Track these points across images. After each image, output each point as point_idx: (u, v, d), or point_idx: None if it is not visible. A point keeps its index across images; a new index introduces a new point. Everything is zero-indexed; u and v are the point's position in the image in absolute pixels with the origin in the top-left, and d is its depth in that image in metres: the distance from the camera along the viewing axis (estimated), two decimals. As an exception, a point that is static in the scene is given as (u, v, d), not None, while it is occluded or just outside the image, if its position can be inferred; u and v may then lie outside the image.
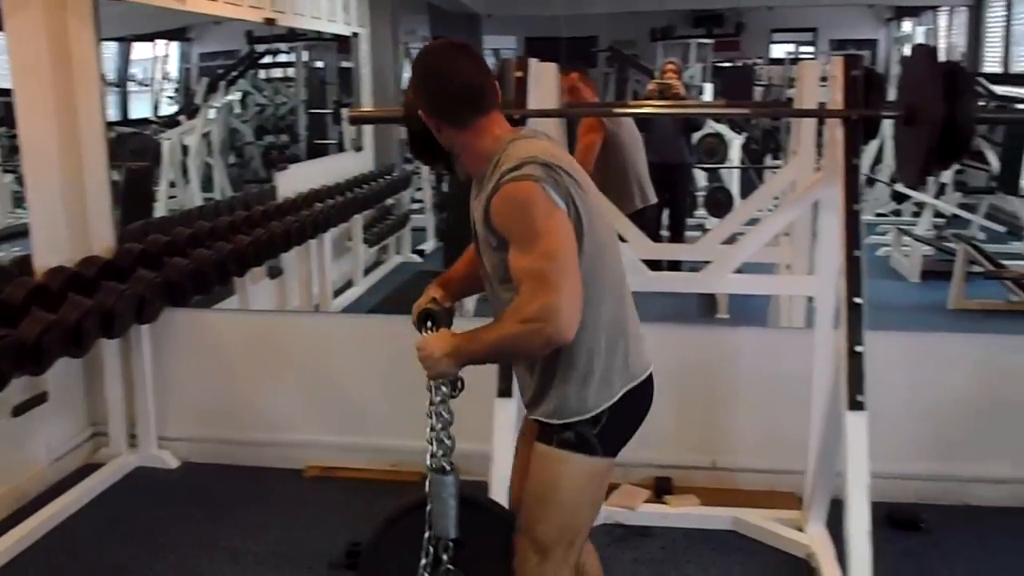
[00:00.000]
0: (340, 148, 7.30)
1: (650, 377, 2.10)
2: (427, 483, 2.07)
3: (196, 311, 4.07)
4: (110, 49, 6.33)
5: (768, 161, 7.83)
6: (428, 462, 2.08)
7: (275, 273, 5.54)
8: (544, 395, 2.02)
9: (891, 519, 3.33)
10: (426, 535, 2.08)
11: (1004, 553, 3.18)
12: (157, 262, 3.91)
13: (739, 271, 3.31)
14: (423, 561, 2.08)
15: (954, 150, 2.55)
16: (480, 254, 2.05)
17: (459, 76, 1.95)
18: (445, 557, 2.08)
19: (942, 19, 9.01)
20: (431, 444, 2.08)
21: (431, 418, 2.08)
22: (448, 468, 2.07)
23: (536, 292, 1.83)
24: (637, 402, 2.06)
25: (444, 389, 2.08)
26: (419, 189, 7.54)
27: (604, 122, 4.67)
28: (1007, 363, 3.53)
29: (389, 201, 7.10)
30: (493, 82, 2.00)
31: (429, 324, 2.18)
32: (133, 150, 5.93)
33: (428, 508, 2.07)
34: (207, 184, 7.39)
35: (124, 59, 6.80)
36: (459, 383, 2.09)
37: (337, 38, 7.12)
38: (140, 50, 7.07)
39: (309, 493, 3.67)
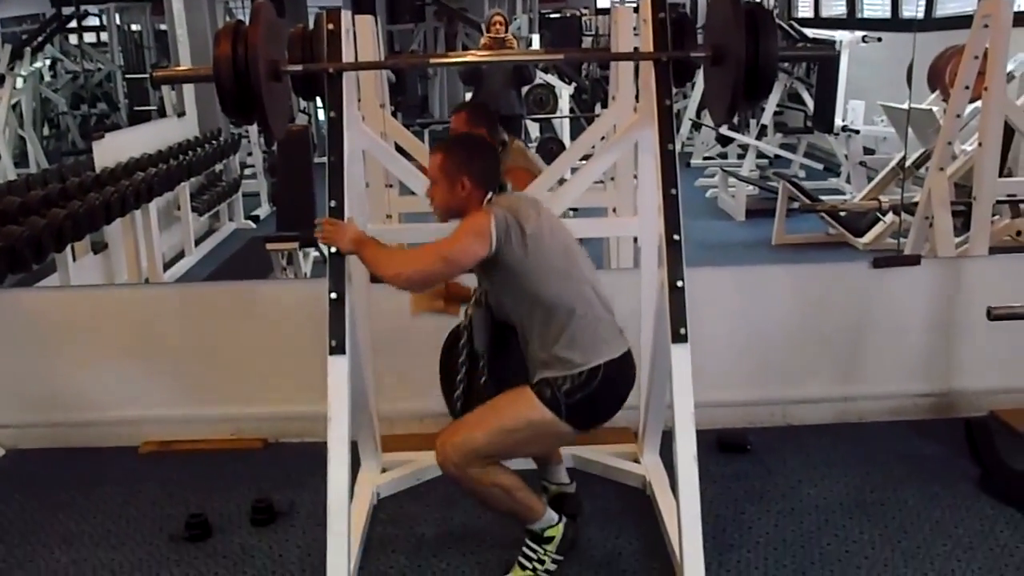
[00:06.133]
0: (162, 114, 6.99)
1: (624, 358, 2.59)
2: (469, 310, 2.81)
3: (10, 291, 3.87)
4: None
5: (598, 109, 7.98)
6: (474, 298, 2.80)
7: (99, 248, 5.31)
8: (534, 363, 2.57)
9: (721, 443, 3.51)
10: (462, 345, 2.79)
11: (821, 466, 3.40)
12: (-38, 242, 3.68)
13: (568, 215, 3.36)
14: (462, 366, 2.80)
15: (758, 87, 2.65)
16: None
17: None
18: (481, 364, 2.76)
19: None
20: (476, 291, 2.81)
21: None
22: (482, 303, 2.76)
23: (427, 255, 2.52)
24: (608, 379, 2.53)
25: None
26: (249, 154, 7.31)
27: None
28: (820, 291, 3.76)
29: (218, 167, 6.87)
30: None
31: None
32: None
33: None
34: (22, 159, 7.00)
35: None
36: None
37: (150, -1, 6.82)
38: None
39: (145, 470, 3.54)
